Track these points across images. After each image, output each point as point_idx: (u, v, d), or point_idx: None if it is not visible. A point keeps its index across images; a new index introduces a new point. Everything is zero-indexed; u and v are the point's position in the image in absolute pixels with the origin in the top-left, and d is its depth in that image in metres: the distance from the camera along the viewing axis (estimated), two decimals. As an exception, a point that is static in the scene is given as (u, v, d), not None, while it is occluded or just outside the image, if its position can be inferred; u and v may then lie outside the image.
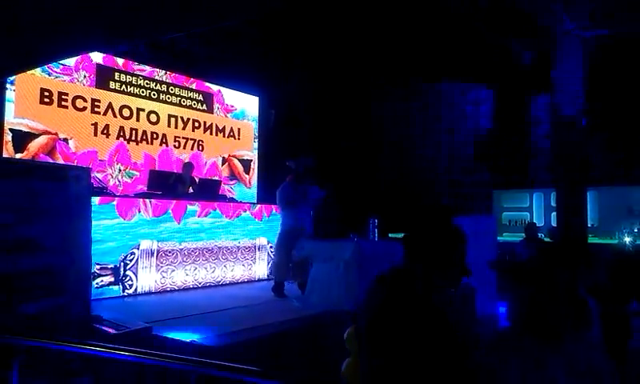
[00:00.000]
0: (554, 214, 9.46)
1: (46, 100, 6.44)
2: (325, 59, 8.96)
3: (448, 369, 1.28)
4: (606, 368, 1.53)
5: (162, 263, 5.85)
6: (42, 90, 6.41)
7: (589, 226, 8.87)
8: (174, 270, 5.98)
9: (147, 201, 5.84)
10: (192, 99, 8.30)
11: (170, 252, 5.95)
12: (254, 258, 7.02)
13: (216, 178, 8.29)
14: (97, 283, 5.16)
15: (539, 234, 7.37)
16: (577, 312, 1.73)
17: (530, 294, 1.61)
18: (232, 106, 8.99)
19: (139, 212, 5.70)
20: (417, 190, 10.39)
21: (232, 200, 7.72)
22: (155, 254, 5.79)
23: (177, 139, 8.02)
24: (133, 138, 7.41)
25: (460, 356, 1.32)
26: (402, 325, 1.31)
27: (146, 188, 6.68)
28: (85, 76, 6.88)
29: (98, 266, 5.19)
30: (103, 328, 3.86)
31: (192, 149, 8.23)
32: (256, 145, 9.42)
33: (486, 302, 5.08)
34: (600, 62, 8.02)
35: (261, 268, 7.07)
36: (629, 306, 3.72)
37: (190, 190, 6.86)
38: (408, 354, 1.28)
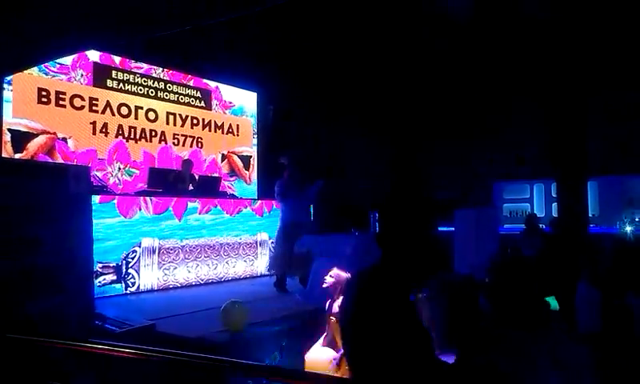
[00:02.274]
0: (554, 204, 9.47)
1: (44, 99, 6.42)
2: (323, 54, 8.92)
3: (413, 362, 1.32)
4: (583, 359, 1.56)
5: (163, 261, 5.86)
6: (40, 90, 6.39)
7: (589, 215, 8.88)
8: (176, 268, 5.98)
9: (148, 199, 5.84)
10: (190, 96, 8.28)
11: (171, 249, 5.95)
12: (256, 254, 7.03)
13: (216, 174, 8.28)
14: (99, 282, 5.17)
15: (540, 225, 7.36)
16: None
17: (512, 289, 1.63)
18: (230, 103, 8.97)
19: (140, 210, 5.70)
20: (417, 182, 10.38)
21: (232, 196, 7.71)
22: (157, 252, 5.79)
23: (176, 136, 8.00)
24: (132, 136, 7.40)
25: (427, 351, 1.35)
26: (372, 319, 1.36)
27: (146, 186, 6.67)
28: (82, 75, 6.85)
29: (100, 265, 5.19)
30: (106, 326, 3.88)
31: (191, 146, 8.21)
32: (255, 141, 9.40)
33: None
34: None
35: (263, 263, 7.07)
36: (628, 296, 3.69)
37: (190, 187, 6.85)
38: (377, 348, 1.33)
